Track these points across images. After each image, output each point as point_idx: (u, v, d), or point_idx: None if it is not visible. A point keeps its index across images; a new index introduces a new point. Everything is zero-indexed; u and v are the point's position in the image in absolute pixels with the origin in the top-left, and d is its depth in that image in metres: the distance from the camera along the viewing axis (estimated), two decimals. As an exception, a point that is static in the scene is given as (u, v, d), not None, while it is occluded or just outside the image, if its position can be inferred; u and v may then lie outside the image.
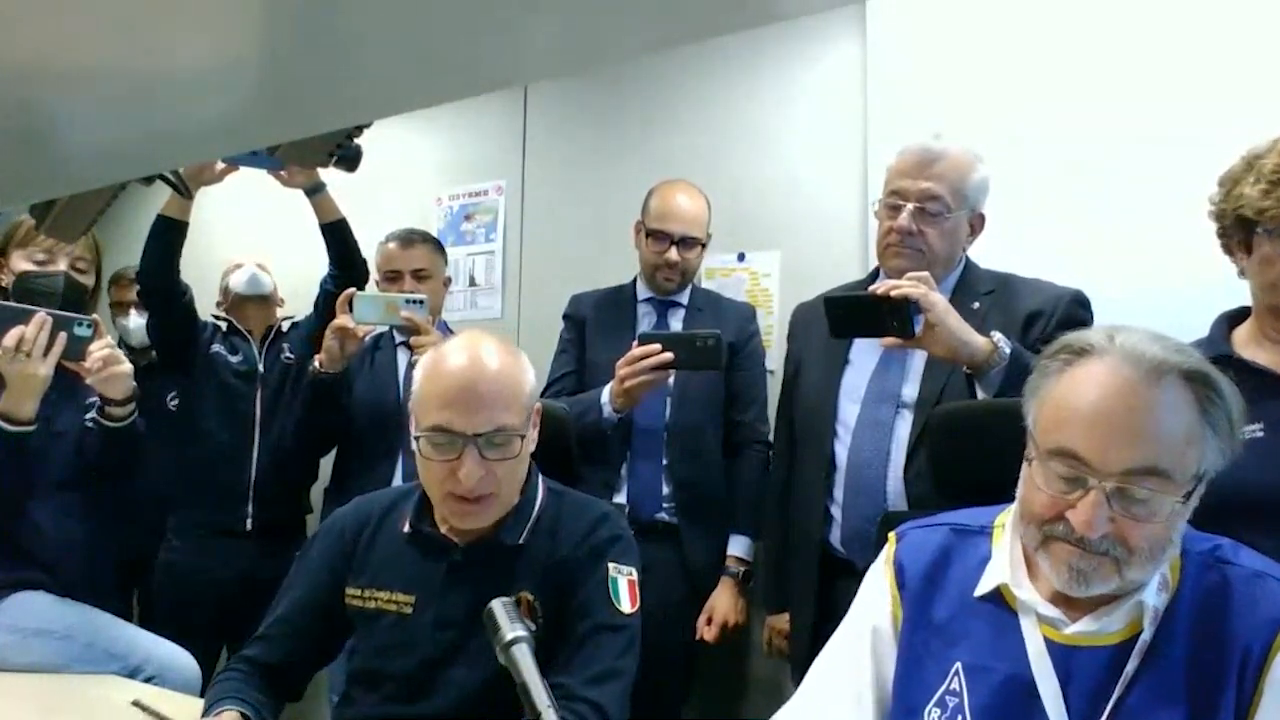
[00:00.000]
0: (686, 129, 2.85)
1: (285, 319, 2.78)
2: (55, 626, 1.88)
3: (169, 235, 2.46)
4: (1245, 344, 1.50)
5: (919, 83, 2.44)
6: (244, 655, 1.45)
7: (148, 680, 1.87)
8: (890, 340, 1.68)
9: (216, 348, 2.65)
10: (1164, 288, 2.02)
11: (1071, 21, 2.24)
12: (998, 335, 1.64)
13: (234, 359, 2.66)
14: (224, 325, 2.72)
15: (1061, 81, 2.24)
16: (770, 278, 2.71)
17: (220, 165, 2.33)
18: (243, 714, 1.33)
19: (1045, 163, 2.06)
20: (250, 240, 3.30)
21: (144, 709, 1.45)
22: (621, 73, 2.98)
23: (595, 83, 3.04)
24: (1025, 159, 2.05)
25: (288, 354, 2.70)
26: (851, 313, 1.70)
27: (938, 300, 1.64)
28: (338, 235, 2.59)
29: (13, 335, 1.83)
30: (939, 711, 1.08)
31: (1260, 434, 1.40)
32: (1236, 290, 1.53)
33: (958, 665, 1.09)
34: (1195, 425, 0.99)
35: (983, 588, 1.11)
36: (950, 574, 1.14)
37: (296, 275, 2.92)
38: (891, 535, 1.23)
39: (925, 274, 1.69)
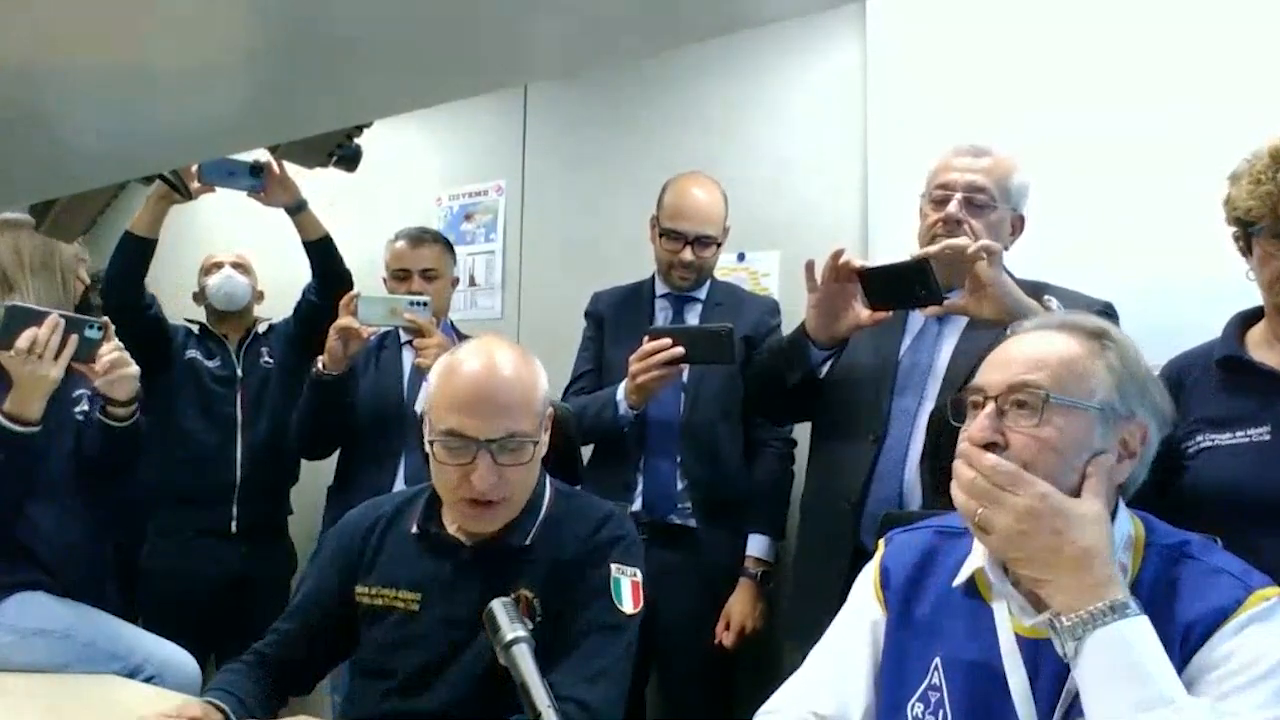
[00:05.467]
0: (687, 128, 2.85)
1: (263, 321, 2.77)
2: (55, 626, 1.88)
3: (136, 254, 2.44)
4: (1258, 345, 1.48)
5: (919, 83, 2.44)
6: (255, 648, 1.48)
7: (148, 680, 1.87)
8: (931, 310, 1.70)
9: (192, 353, 2.63)
10: (1167, 289, 2.02)
11: (1072, 21, 2.23)
12: (1052, 300, 1.64)
13: (211, 364, 2.64)
14: (196, 329, 2.69)
15: (1063, 81, 2.23)
16: (770, 278, 2.70)
17: (195, 184, 2.32)
18: (215, 705, 1.33)
19: (1046, 163, 2.06)
20: (238, 236, 3.27)
21: None
22: (621, 73, 2.97)
23: (595, 83, 3.03)
24: (1026, 159, 2.04)
25: (267, 358, 2.69)
26: (883, 281, 1.72)
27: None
28: (321, 252, 2.57)
29: (26, 337, 1.84)
30: (922, 706, 1.10)
31: (1267, 437, 1.39)
32: (1252, 292, 1.51)
33: (937, 660, 1.11)
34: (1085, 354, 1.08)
35: (961, 576, 1.13)
36: (933, 573, 1.17)
37: (283, 271, 2.88)
38: (880, 541, 1.26)
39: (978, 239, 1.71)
